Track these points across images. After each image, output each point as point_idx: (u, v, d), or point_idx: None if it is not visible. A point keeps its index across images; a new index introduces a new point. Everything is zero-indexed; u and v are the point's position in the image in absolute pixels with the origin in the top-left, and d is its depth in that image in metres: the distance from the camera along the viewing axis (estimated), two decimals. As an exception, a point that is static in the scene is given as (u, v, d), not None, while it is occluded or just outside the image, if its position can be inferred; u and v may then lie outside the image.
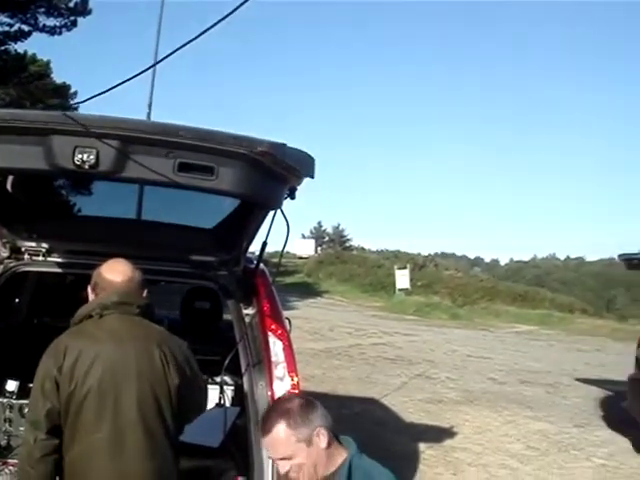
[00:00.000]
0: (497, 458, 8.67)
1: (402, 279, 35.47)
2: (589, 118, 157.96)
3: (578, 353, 21.11)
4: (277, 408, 2.80)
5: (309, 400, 2.81)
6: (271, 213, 3.48)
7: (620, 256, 10.63)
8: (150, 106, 4.28)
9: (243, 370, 4.24)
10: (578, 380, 14.92)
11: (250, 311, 4.35)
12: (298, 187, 3.29)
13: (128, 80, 3.32)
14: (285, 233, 3.42)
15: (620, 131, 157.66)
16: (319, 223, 71.30)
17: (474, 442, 9.29)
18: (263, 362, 4.17)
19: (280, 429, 2.69)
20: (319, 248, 61.93)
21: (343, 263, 44.94)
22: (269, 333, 4.20)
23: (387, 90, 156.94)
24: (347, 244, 66.51)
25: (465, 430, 9.85)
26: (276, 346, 4.18)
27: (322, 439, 2.72)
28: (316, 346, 17.70)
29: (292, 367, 4.19)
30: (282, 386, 4.11)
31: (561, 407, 12.06)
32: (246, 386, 4.21)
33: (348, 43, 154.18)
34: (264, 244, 3.91)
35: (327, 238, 70.59)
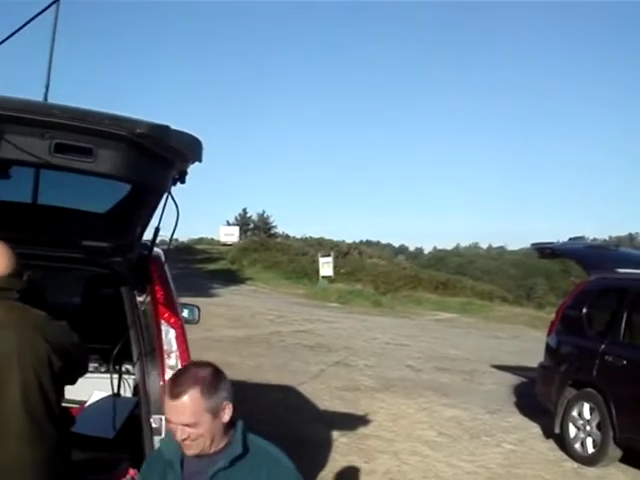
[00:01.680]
0: (409, 445, 8.70)
1: (326, 267, 35.58)
2: (517, 107, 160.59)
3: (496, 340, 21.45)
4: (190, 373, 2.66)
5: (219, 370, 2.70)
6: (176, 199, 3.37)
7: (533, 245, 10.76)
8: (47, 87, 4.09)
9: (135, 359, 4.11)
10: (494, 367, 15.14)
11: (143, 298, 4.22)
12: (188, 171, 3.18)
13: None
14: (175, 218, 3.31)
15: (545, 122, 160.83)
16: (244, 210, 70.98)
17: (388, 429, 9.31)
18: (156, 351, 4.05)
19: (193, 395, 2.56)
20: (243, 235, 61.69)
21: (267, 250, 44.88)
22: (162, 321, 4.08)
23: (311, 74, 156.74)
24: (272, 231, 66.36)
25: (379, 417, 9.86)
26: (169, 334, 4.07)
27: (227, 412, 2.64)
28: (236, 333, 17.61)
29: (185, 356, 4.08)
30: (174, 376, 4.00)
31: (476, 394, 12.20)
32: (138, 375, 4.09)
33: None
34: (157, 230, 3.78)
35: (252, 225, 70.31)
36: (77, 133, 2.84)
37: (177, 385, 2.62)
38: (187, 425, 2.59)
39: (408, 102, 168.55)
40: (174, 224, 3.42)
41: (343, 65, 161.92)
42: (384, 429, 9.32)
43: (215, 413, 2.60)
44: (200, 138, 3.03)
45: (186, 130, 2.97)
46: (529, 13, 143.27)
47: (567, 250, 10.38)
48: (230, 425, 2.70)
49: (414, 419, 10.05)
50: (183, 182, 3.20)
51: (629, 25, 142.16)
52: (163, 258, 4.51)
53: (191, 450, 2.64)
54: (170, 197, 3.29)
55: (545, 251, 10.53)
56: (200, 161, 3.09)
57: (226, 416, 2.65)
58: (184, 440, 2.61)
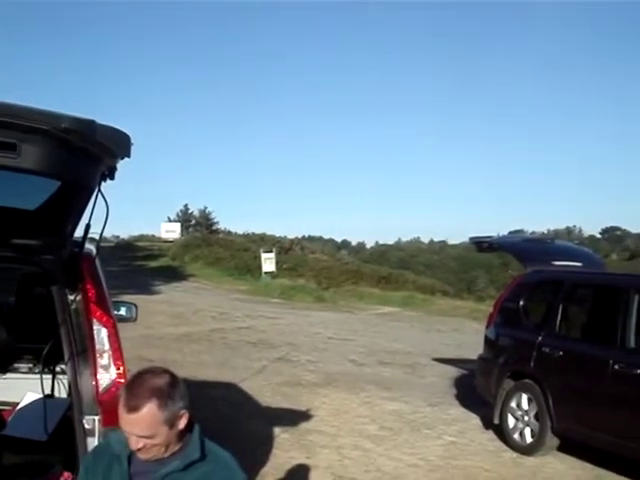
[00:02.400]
0: (351, 440, 8.73)
1: (268, 262, 35.45)
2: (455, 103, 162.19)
3: (437, 333, 21.63)
4: (147, 383, 2.56)
5: (175, 378, 2.62)
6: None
7: (471, 239, 10.88)
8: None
9: (66, 359, 4.03)
10: (435, 360, 15.25)
11: (74, 297, 4.14)
12: (117, 166, 3.12)
13: None
14: (105, 215, 3.25)
15: (483, 118, 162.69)
16: (185, 206, 70.30)
17: (329, 424, 9.33)
18: (88, 350, 3.97)
19: (150, 409, 2.49)
20: (185, 231, 61.16)
21: (209, 246, 44.52)
22: (94, 320, 4.00)
23: (246, 65, 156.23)
24: (214, 227, 65.91)
25: (321, 413, 9.88)
26: (101, 333, 3.99)
27: (183, 421, 2.58)
28: (178, 331, 17.48)
29: (118, 355, 4.00)
30: (107, 376, 3.93)
31: (417, 387, 12.29)
32: (70, 376, 4.00)
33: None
34: (87, 227, 3.70)
35: (193, 221, 69.75)
36: (0, 128, 2.77)
37: (133, 397, 2.53)
38: (142, 437, 2.54)
39: (351, 97, 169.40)
40: (104, 221, 3.36)
41: (278, 60, 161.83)
42: (326, 424, 9.33)
43: (171, 424, 2.54)
44: (128, 133, 2.96)
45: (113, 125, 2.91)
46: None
47: (504, 244, 10.54)
48: (186, 429, 2.65)
49: (356, 413, 10.09)
50: (112, 178, 3.14)
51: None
52: (95, 255, 4.42)
53: (144, 455, 2.58)
54: (100, 193, 3.23)
55: (483, 245, 10.65)
56: (129, 157, 3.03)
57: (182, 424, 2.59)
58: (139, 449, 2.56)
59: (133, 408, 2.51)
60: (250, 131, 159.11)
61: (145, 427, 2.51)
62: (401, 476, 7.56)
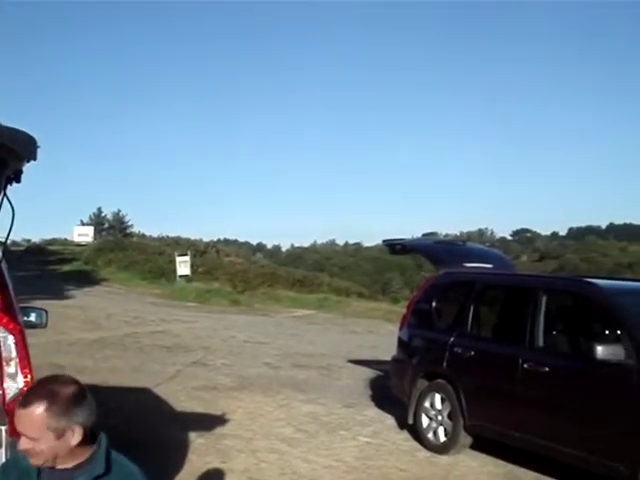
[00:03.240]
0: (267, 443, 8.72)
1: (183, 266, 35.16)
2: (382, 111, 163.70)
3: (352, 335, 21.78)
4: (48, 385, 2.52)
5: (82, 392, 2.55)
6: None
7: (384, 241, 10.99)
8: None
9: None
10: (351, 362, 15.34)
11: (-21, 304, 4.01)
12: (23, 170, 3.05)
13: None
14: (10, 219, 3.16)
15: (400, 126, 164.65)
16: (99, 209, 69.02)
17: (245, 428, 9.30)
18: None
19: (36, 410, 2.44)
20: (98, 235, 60.08)
21: (123, 250, 43.85)
22: (0, 327, 3.89)
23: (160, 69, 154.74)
24: (128, 231, 64.94)
25: (237, 416, 9.84)
26: (8, 340, 3.88)
27: (75, 437, 2.51)
28: (90, 336, 17.16)
29: (25, 363, 3.89)
30: (14, 384, 3.82)
31: (333, 389, 12.35)
32: None
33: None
34: None
35: (107, 225, 68.57)
36: None
37: (29, 394, 2.51)
38: (27, 437, 2.49)
39: (267, 103, 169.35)
40: (10, 225, 3.26)
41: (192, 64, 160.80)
42: (242, 428, 9.30)
43: (59, 435, 2.47)
44: (34, 136, 2.89)
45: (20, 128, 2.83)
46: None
47: (417, 246, 10.69)
48: (88, 442, 2.60)
49: (272, 417, 10.07)
50: (18, 181, 3.07)
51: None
52: (0, 260, 4.29)
53: (34, 460, 2.53)
54: (5, 197, 3.14)
55: (396, 247, 10.79)
56: (35, 159, 2.95)
57: (73, 440, 2.52)
58: (25, 450, 2.52)
59: (24, 403, 2.49)
60: (162, 136, 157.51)
61: (29, 426, 2.47)
62: (317, 478, 7.59)
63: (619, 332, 7.01)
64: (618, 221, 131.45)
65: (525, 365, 7.68)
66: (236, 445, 8.48)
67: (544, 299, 7.90)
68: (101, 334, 17.65)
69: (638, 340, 6.83)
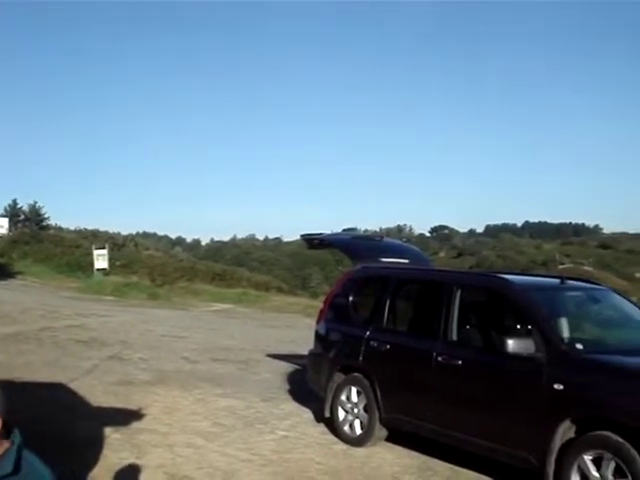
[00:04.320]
0: (184, 437, 8.68)
1: (100, 259, 34.66)
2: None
3: (271, 330, 21.80)
4: None
5: None
6: None
7: (302, 236, 11.03)
8: None
9: None
10: (269, 356, 15.35)
11: None
12: None
13: None
14: None
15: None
16: (14, 201, 67.26)
17: (162, 423, 9.23)
18: None
19: None
20: (14, 227, 58.63)
21: (39, 243, 42.91)
22: None
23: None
24: (44, 223, 63.53)
25: (154, 411, 9.75)
26: None
27: None
28: (4, 330, 16.73)
29: None
30: None
31: (251, 383, 12.34)
32: None
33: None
34: None
35: (22, 217, 66.94)
36: None
37: None
38: None
39: (183, 99, 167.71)
40: None
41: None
42: (158, 422, 9.23)
43: None
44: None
45: None
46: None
47: (335, 241, 10.75)
48: (1, 436, 2.56)
49: (189, 411, 10.03)
50: None
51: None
52: None
53: None
54: None
55: (314, 242, 10.84)
56: None
57: None
58: None
59: None
60: (80, 127, 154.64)
61: None
62: (234, 472, 7.59)
63: (530, 326, 7.20)
64: (533, 219, 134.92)
65: (439, 358, 7.84)
66: (152, 440, 8.43)
67: (458, 294, 8.06)
68: (16, 328, 17.24)
69: (548, 334, 7.04)
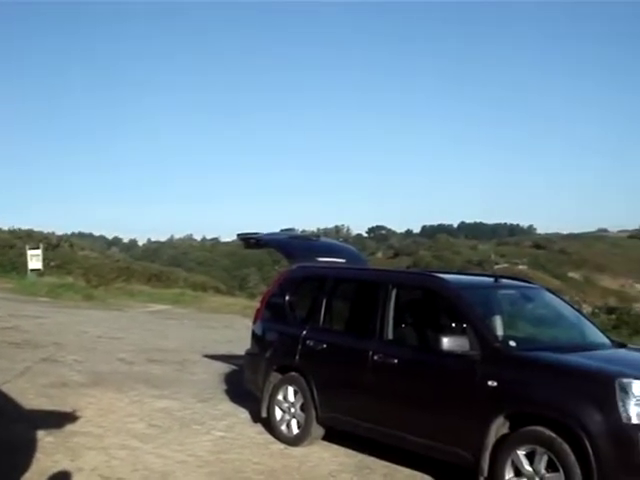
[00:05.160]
0: (119, 439, 8.58)
1: (34, 260, 34.02)
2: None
3: (208, 330, 21.66)
4: None
5: None
6: None
7: (238, 235, 10.99)
8: None
9: None
10: (206, 357, 15.27)
11: None
12: None
13: None
14: None
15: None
16: (-55, 201, 66.06)
17: (96, 425, 9.12)
18: None
19: None
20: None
21: (-30, 243, 42.06)
22: None
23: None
24: (-25, 223, 62.30)
25: (88, 413, 9.63)
26: None
27: None
28: None
29: None
30: None
31: (188, 384, 12.26)
32: None
33: None
34: None
35: (-48, 217, 65.64)
36: None
37: None
38: None
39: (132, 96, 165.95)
40: None
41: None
42: (93, 425, 9.11)
43: None
44: None
45: None
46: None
47: (271, 240, 10.73)
48: None
49: (124, 413, 9.92)
50: None
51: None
52: None
53: None
54: None
55: (250, 241, 10.81)
56: None
57: None
58: None
59: None
60: (16, 124, 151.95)
61: None
62: (169, 473, 7.52)
63: (464, 325, 7.29)
64: (469, 220, 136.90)
65: (375, 357, 7.89)
66: (86, 442, 8.31)
67: (394, 293, 8.12)
68: (-57, 332, 16.90)
69: (482, 332, 7.14)
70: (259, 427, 9.45)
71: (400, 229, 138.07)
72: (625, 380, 6.16)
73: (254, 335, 9.85)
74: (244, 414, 10.13)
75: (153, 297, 32.05)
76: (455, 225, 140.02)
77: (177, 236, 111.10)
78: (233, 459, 8.14)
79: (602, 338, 8.27)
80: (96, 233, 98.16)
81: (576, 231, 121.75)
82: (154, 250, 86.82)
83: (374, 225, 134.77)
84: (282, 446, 8.74)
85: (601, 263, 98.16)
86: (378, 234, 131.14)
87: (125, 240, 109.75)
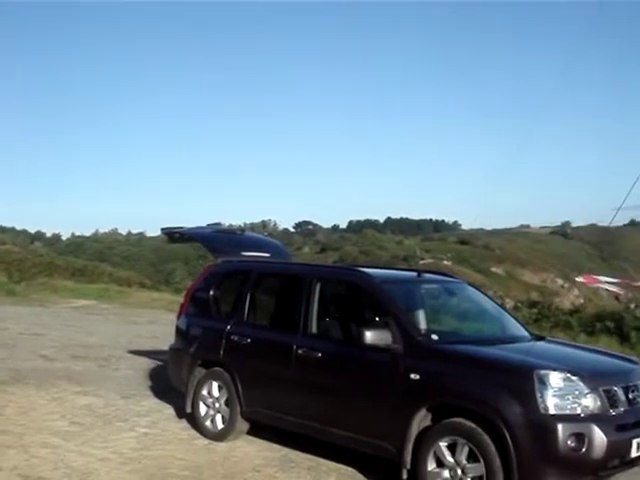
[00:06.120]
0: (40, 437, 8.43)
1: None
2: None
3: (133, 326, 21.43)
4: None
5: None
6: None
7: (162, 230, 10.90)
8: None
9: None
10: (131, 352, 15.13)
11: None
12: None
13: None
14: None
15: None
16: None
17: (16, 423, 8.94)
18: None
19: None
20: None
21: None
22: None
23: None
24: None
25: (8, 412, 9.45)
26: None
27: None
28: None
29: None
30: None
31: (111, 380, 12.11)
32: None
33: None
34: None
35: None
36: None
37: None
38: None
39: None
40: None
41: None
42: (13, 423, 8.94)
43: None
44: None
45: None
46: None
47: (195, 234, 10.67)
48: None
49: (45, 410, 9.74)
50: None
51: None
52: None
53: None
54: None
55: (174, 235, 10.74)
56: None
57: None
58: None
59: None
60: None
61: None
62: (91, 471, 7.41)
63: (387, 318, 7.35)
64: (395, 215, 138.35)
65: (299, 351, 7.91)
66: (6, 441, 8.15)
67: (318, 287, 8.16)
68: None
69: (404, 326, 7.22)
70: (184, 423, 9.39)
71: (327, 224, 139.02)
72: (543, 372, 6.31)
73: (178, 330, 9.79)
74: (168, 410, 10.06)
75: (77, 292, 31.57)
76: (381, 220, 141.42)
77: (102, 230, 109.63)
78: (157, 455, 8.07)
79: (522, 331, 8.46)
80: (18, 227, 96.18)
81: (500, 227, 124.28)
82: (78, 245, 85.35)
83: (301, 220, 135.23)
84: (207, 441, 8.71)
85: (523, 258, 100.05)
86: (305, 229, 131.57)
87: (48, 234, 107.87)
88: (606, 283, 71.41)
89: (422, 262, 76.95)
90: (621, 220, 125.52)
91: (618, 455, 6.37)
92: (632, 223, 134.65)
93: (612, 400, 6.49)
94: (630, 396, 6.68)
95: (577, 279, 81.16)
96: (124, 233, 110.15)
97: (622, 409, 6.53)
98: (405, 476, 6.85)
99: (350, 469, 7.82)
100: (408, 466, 6.83)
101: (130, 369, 13.23)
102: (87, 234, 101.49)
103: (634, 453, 6.44)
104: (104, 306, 27.64)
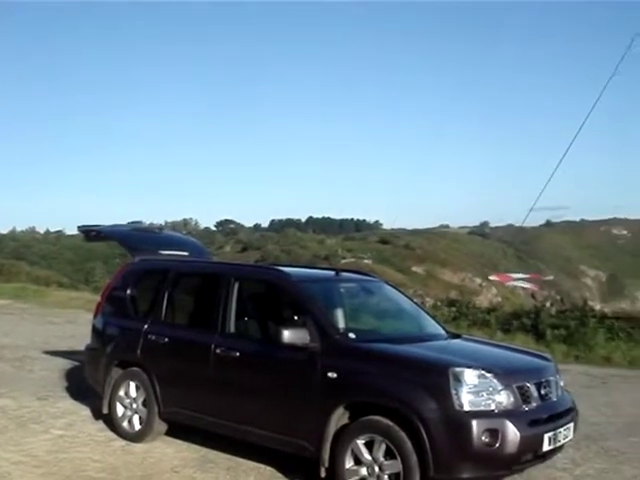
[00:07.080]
0: (-51, 441, 8.24)
1: None
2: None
3: (50, 326, 21.02)
4: None
5: None
6: None
7: (79, 228, 10.74)
8: None
9: None
10: (47, 353, 14.87)
11: None
12: None
13: None
14: None
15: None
16: None
17: None
18: None
19: None
20: None
21: None
22: None
23: None
24: None
25: None
26: None
27: None
28: None
29: None
30: None
31: (26, 381, 11.89)
32: None
33: None
34: None
35: None
36: None
37: None
38: None
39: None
40: None
41: None
42: None
43: None
44: None
45: None
46: None
47: (112, 232, 10.54)
48: None
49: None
50: None
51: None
52: None
53: None
54: None
55: (91, 234, 10.59)
56: None
57: None
58: None
59: None
60: None
61: None
62: (4, 475, 7.27)
63: (305, 317, 7.38)
64: (317, 215, 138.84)
65: (217, 351, 7.88)
66: None
67: (236, 286, 8.15)
68: None
69: (322, 324, 7.26)
70: (100, 424, 9.27)
71: (249, 223, 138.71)
72: (458, 369, 6.43)
73: (95, 330, 9.65)
74: (85, 411, 9.92)
75: (-8, 291, 30.83)
76: (303, 220, 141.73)
77: (19, 228, 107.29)
78: (72, 458, 7.96)
79: (438, 329, 8.59)
80: None
81: (420, 227, 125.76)
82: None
83: (223, 219, 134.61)
84: (124, 443, 8.61)
85: (443, 258, 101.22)
86: (227, 228, 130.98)
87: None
88: (518, 280, 72.82)
89: (343, 261, 77.30)
90: (537, 221, 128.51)
91: (531, 449, 6.54)
92: (548, 224, 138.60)
93: (525, 396, 6.65)
94: (542, 392, 6.86)
95: (490, 277, 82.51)
96: (42, 232, 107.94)
97: (535, 405, 6.70)
98: (323, 474, 6.91)
99: (269, 468, 7.82)
100: (326, 464, 6.88)
101: (46, 370, 12.99)
102: (4, 232, 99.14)
103: (546, 447, 6.62)
104: (20, 305, 27.02)
